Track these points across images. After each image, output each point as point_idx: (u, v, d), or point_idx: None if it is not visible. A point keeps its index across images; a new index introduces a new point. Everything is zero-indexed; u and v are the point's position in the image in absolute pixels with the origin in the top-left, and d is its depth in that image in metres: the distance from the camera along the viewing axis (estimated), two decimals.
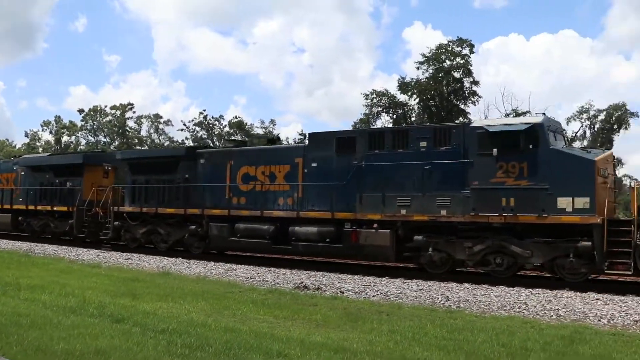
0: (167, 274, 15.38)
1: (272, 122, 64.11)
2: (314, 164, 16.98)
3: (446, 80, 45.98)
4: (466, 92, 46.54)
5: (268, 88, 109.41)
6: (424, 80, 46.30)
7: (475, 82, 46.47)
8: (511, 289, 13.08)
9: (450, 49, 46.15)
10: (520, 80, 76.26)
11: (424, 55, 46.48)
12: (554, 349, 7.34)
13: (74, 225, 23.38)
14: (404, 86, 46.82)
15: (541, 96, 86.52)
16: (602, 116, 47.22)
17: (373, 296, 12.40)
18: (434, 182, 14.76)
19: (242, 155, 19.16)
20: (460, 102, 46.72)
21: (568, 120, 47.41)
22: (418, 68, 46.77)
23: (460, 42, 46.22)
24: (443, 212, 14.49)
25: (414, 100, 47.08)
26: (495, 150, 13.76)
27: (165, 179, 20.37)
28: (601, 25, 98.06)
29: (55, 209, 24.49)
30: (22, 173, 26.60)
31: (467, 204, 14.17)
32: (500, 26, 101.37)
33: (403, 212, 15.06)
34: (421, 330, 8.30)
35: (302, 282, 13.86)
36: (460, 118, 45.17)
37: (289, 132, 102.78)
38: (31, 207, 25.44)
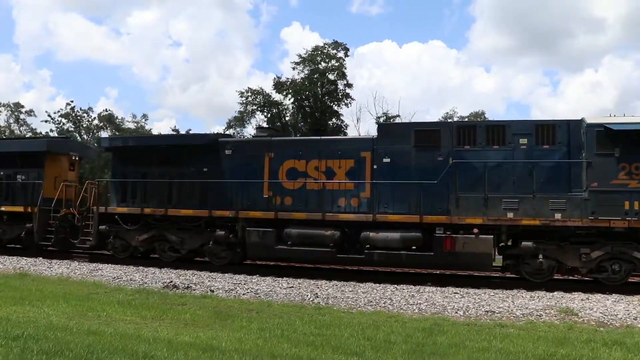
0: (25, 276, 14.39)
1: (145, 116, 61.81)
2: (386, 159, 15.08)
3: (321, 82, 46.81)
4: (340, 94, 47.68)
5: (142, 81, 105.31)
6: (299, 80, 46.89)
7: (349, 85, 47.72)
8: (378, 285, 13.64)
9: (326, 51, 47.08)
10: (392, 85, 79.35)
11: (300, 56, 47.07)
12: (415, 341, 7.73)
13: (34, 231, 18.77)
14: (279, 86, 47.12)
15: (411, 101, 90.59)
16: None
17: (243, 294, 12.39)
18: (542, 183, 13.68)
19: (287, 146, 16.54)
20: (333, 104, 47.78)
21: None
22: (294, 68, 47.29)
23: (336, 45, 47.27)
24: (558, 216, 13.42)
25: (289, 100, 47.54)
26: (617, 150, 13.06)
27: (173, 172, 17.03)
28: (466, 39, 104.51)
29: (3, 209, 19.56)
30: None
31: (585, 207, 13.26)
32: (375, 32, 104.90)
33: (510, 215, 13.72)
34: (290, 327, 8.42)
35: (172, 281, 13.54)
36: (334, 119, 46.31)
37: (162, 128, 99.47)
38: None
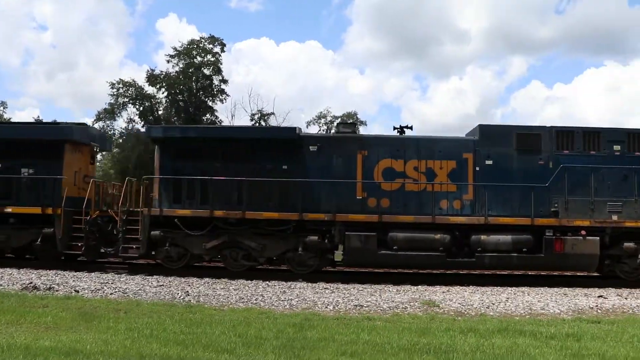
0: None
1: (4, 104, 57.18)
2: (488, 162, 15.06)
3: (196, 77, 46.02)
4: (215, 89, 47.14)
5: (0, 66, 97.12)
6: (174, 74, 45.78)
7: (224, 81, 47.33)
8: (250, 282, 13.68)
9: (202, 45, 46.32)
10: (269, 82, 79.52)
11: (175, 48, 45.96)
12: (286, 336, 7.85)
13: (58, 237, 15.59)
14: (152, 78, 45.68)
15: (287, 99, 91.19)
16: (338, 121, 51.87)
17: (111, 294, 11.91)
18: (637, 188, 14.73)
19: (382, 144, 15.52)
20: (208, 99, 47.14)
21: (308, 124, 51.08)
22: (169, 61, 46.12)
23: (212, 39, 46.67)
24: None
25: (162, 93, 46.26)
26: None
27: (243, 169, 15.08)
28: (342, 40, 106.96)
29: (10, 210, 15.86)
30: None
31: None
32: (253, 29, 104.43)
33: (614, 217, 14.59)
34: (159, 327, 8.23)
35: (32, 282, 12.70)
36: (208, 115, 45.68)
37: (24, 117, 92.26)
38: None
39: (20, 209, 15.75)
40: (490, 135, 15.27)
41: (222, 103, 48.21)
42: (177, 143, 15.80)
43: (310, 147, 15.37)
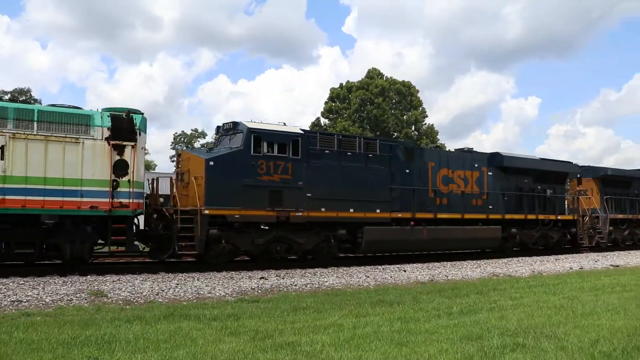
0: None
1: None
2: None
3: None
4: None
5: None
6: None
7: None
8: None
9: None
10: None
11: None
12: None
13: (578, 235, 25.47)
14: None
15: None
16: (7, 97, 46.59)
17: None
18: None
19: None
20: None
21: None
22: None
23: None
24: None
25: None
26: None
27: (627, 193, 28.55)
28: (22, 7, 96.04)
29: (552, 217, 24.79)
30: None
31: None
32: None
33: None
34: None
35: None
36: None
37: None
38: None
39: (561, 216, 24.91)
40: None
41: None
42: (605, 179, 27.83)
43: (634, 182, 28.96)
